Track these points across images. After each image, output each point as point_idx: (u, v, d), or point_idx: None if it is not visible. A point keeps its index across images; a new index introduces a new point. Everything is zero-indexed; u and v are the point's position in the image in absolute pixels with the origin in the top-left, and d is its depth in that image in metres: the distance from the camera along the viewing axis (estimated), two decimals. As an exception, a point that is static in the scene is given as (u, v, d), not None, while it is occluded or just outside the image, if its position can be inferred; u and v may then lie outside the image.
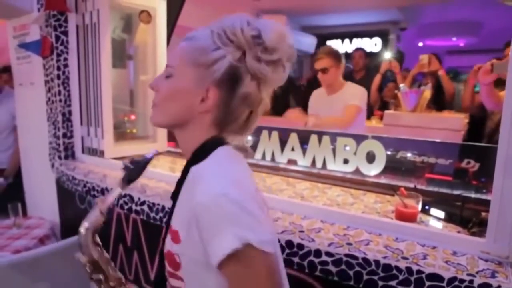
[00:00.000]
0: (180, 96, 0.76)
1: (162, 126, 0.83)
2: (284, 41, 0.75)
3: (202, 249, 0.67)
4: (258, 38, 0.73)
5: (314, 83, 4.20)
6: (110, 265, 0.84)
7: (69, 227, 2.29)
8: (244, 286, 0.65)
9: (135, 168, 0.86)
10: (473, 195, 1.40)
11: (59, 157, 2.29)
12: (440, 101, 3.40)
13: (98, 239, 0.84)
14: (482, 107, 2.90)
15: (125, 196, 1.65)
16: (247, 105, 0.77)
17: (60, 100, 2.23)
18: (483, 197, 1.36)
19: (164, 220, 1.48)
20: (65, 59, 2.22)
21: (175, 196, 0.80)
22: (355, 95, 2.40)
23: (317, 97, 2.61)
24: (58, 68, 2.20)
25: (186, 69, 0.75)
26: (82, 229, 0.81)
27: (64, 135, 2.28)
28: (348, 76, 4.07)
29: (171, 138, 2.43)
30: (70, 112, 2.28)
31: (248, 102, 0.76)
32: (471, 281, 0.92)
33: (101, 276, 0.84)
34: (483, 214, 1.21)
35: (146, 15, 2.32)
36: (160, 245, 0.82)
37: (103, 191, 1.81)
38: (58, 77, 2.21)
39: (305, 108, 3.84)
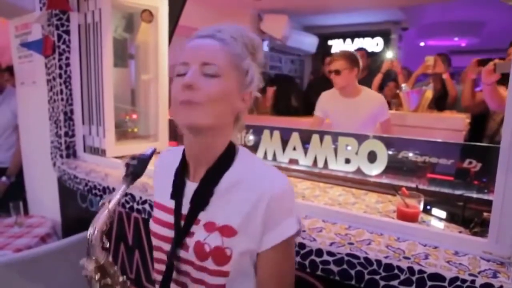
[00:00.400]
0: (228, 98, 0.78)
1: (203, 127, 0.76)
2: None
3: (259, 237, 0.77)
4: (259, 53, 0.85)
5: (316, 83, 4.21)
6: (114, 268, 0.82)
7: (70, 226, 2.29)
8: (285, 265, 0.82)
9: (138, 164, 0.84)
10: (475, 195, 1.40)
11: (61, 156, 2.30)
12: (442, 103, 3.40)
13: (106, 243, 0.80)
14: (483, 105, 2.90)
15: (126, 195, 1.65)
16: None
17: (62, 99, 2.24)
18: (485, 197, 1.36)
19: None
20: (67, 58, 2.23)
21: (202, 197, 0.81)
22: (378, 104, 2.38)
23: (329, 98, 2.54)
24: (60, 67, 2.21)
25: (232, 71, 0.78)
26: (91, 231, 0.77)
27: (66, 134, 2.28)
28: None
29: (172, 137, 2.43)
30: (71, 111, 2.29)
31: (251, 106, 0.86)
32: (473, 281, 0.92)
33: (109, 281, 0.81)
34: (485, 214, 1.21)
35: (148, 14, 2.32)
36: (171, 250, 0.83)
37: (105, 190, 1.81)
38: (60, 76, 2.22)
39: (307, 108, 3.85)
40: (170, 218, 0.85)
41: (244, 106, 0.83)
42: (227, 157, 0.82)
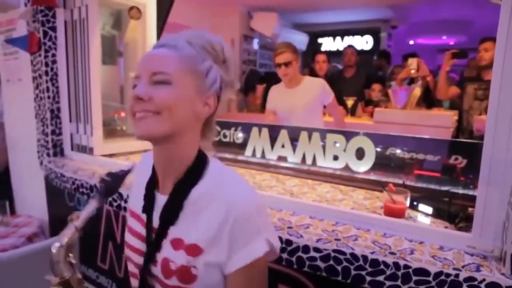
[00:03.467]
0: (184, 103, 0.75)
1: (159, 136, 0.75)
2: (233, 60, 0.84)
3: (226, 256, 0.74)
4: (224, 55, 0.81)
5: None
6: (82, 286, 0.79)
7: (58, 225, 2.27)
8: (256, 284, 0.77)
9: (112, 181, 0.82)
10: (460, 191, 1.42)
11: (48, 155, 2.27)
12: (429, 100, 3.42)
13: (72, 258, 0.78)
14: (456, 98, 2.95)
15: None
16: (220, 112, 0.83)
17: (49, 97, 2.21)
18: (471, 192, 1.38)
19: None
20: (53, 55, 2.20)
21: (169, 214, 0.78)
22: (319, 87, 2.42)
23: (277, 92, 2.55)
24: (46, 64, 2.18)
25: (186, 76, 0.75)
26: (54, 248, 0.75)
27: (53, 132, 2.25)
28: (338, 75, 4.09)
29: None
30: (58, 109, 2.26)
31: (222, 109, 0.83)
32: (456, 275, 0.94)
33: None
34: (470, 209, 1.22)
35: (136, 11, 2.31)
36: (144, 261, 0.81)
37: (92, 189, 1.79)
38: (46, 73, 2.18)
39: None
40: (142, 230, 0.84)
41: (208, 110, 0.79)
42: (196, 169, 0.79)
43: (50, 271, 0.77)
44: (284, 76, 2.40)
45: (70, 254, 0.78)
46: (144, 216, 0.84)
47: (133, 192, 0.93)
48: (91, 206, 0.80)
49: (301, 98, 2.38)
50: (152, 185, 0.84)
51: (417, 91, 3.05)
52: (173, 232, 0.78)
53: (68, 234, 0.77)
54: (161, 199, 0.81)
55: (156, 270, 0.79)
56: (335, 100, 2.50)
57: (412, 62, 3.08)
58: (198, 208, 0.77)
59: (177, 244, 0.77)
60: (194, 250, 0.75)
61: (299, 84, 2.43)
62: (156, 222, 0.81)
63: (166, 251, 0.77)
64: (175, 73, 0.74)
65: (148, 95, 0.73)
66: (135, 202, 0.87)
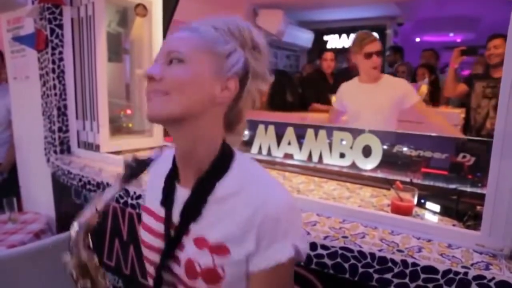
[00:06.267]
0: (198, 83, 0.70)
1: (172, 117, 0.70)
2: (267, 50, 0.77)
3: (251, 255, 0.69)
4: (254, 41, 0.74)
5: (312, 79, 4.20)
6: (99, 272, 0.76)
7: (64, 221, 2.28)
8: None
9: (137, 167, 0.77)
10: (468, 189, 1.41)
11: (55, 152, 2.28)
12: (436, 97, 3.41)
13: (90, 241, 0.75)
14: (464, 96, 2.92)
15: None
16: (251, 104, 0.77)
17: (55, 94, 2.22)
18: (479, 191, 1.37)
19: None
20: (60, 52, 2.21)
21: (192, 209, 0.74)
22: (401, 90, 2.14)
23: (348, 88, 2.31)
24: (53, 62, 2.19)
25: (202, 56, 0.70)
26: (74, 226, 0.72)
27: (60, 129, 2.26)
28: (344, 72, 4.07)
29: (167, 133, 2.41)
30: (65, 106, 2.27)
31: (252, 101, 0.77)
32: (465, 273, 0.93)
33: (88, 284, 0.74)
34: (478, 207, 1.21)
35: (142, 9, 2.31)
36: (161, 263, 0.77)
37: (99, 185, 1.80)
38: (53, 71, 2.19)
39: (302, 105, 3.83)
40: (159, 226, 0.79)
41: (227, 95, 0.72)
42: (222, 161, 0.74)
43: (68, 253, 0.73)
44: (373, 69, 2.14)
45: (89, 238, 0.74)
46: (161, 212, 0.79)
47: (149, 188, 0.88)
48: (113, 190, 0.76)
49: (379, 96, 2.13)
50: (172, 178, 0.80)
51: (423, 88, 3.03)
52: (196, 229, 0.73)
53: (89, 214, 0.73)
54: (181, 192, 0.77)
55: (180, 270, 0.74)
56: (422, 104, 2.21)
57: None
58: (224, 204, 0.72)
59: (200, 243, 0.72)
60: (219, 250, 0.70)
61: (378, 80, 2.17)
62: (176, 217, 0.76)
63: (190, 250, 0.73)
64: (190, 52, 0.70)
65: (160, 75, 0.69)
66: (152, 199, 0.83)
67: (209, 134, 0.74)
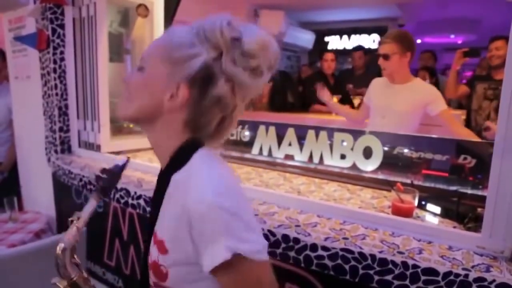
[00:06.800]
0: (148, 89, 0.73)
1: (127, 118, 0.78)
2: (267, 49, 0.72)
3: (195, 257, 0.67)
4: (237, 41, 0.70)
5: (312, 79, 4.20)
6: (88, 284, 0.79)
7: (65, 221, 2.28)
8: None
9: (109, 178, 0.81)
10: (469, 191, 1.40)
11: (56, 151, 2.28)
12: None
13: (77, 259, 0.78)
14: (465, 98, 2.91)
15: (121, 190, 1.64)
16: (219, 108, 0.73)
17: (57, 94, 2.22)
18: (479, 193, 1.37)
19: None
20: (62, 52, 2.21)
21: (156, 204, 0.77)
22: (429, 95, 2.08)
23: (377, 85, 2.31)
24: (55, 62, 2.19)
25: (158, 63, 0.73)
26: (59, 251, 0.75)
27: (61, 129, 2.27)
28: (348, 73, 4.08)
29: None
30: (66, 106, 2.27)
31: (220, 105, 0.72)
32: (466, 275, 0.93)
33: None
34: (479, 209, 1.21)
35: (144, 9, 2.31)
36: (143, 252, 0.80)
37: (100, 185, 1.80)
38: (55, 70, 2.20)
39: (303, 106, 3.83)
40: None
41: (177, 102, 0.71)
42: (180, 156, 0.74)
43: (57, 274, 0.77)
44: (382, 70, 2.16)
45: (75, 256, 0.78)
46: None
47: None
48: (90, 206, 0.80)
49: (403, 97, 2.10)
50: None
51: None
52: (157, 224, 0.76)
53: (71, 236, 0.76)
54: None
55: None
56: (448, 112, 2.14)
57: None
58: (169, 199, 0.74)
59: (154, 237, 0.75)
60: (161, 247, 0.71)
61: (406, 82, 2.14)
62: None
63: (151, 244, 0.76)
64: (150, 58, 0.75)
65: (127, 80, 0.77)
66: None
67: (167, 136, 0.76)
